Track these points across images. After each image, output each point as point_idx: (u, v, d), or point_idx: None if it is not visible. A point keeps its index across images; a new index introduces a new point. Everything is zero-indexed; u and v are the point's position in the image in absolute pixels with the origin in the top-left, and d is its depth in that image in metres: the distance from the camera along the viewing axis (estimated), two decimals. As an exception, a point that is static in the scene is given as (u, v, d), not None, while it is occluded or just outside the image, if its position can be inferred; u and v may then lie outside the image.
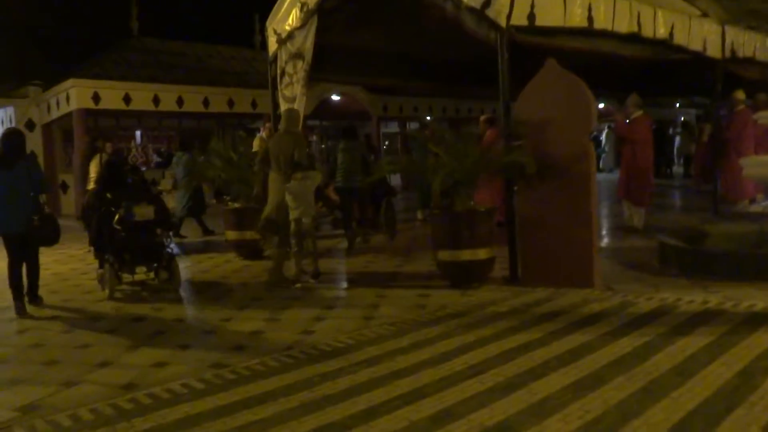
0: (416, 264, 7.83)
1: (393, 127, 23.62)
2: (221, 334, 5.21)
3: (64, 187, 16.44)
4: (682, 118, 24.90)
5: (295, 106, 8.57)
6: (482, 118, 10.14)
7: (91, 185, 9.72)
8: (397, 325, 5.12)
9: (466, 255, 6.15)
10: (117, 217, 6.66)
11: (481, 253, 6.18)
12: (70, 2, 22.54)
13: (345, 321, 5.36)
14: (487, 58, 10.22)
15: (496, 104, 6.72)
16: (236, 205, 8.78)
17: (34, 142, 16.24)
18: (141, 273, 6.93)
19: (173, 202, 12.17)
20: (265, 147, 7.67)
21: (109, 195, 6.90)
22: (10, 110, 16.04)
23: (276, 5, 9.23)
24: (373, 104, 20.04)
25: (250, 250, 8.69)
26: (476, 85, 12.84)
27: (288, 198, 6.66)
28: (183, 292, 6.83)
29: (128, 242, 6.58)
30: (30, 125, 16.00)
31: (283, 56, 8.98)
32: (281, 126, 7.45)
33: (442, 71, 11.37)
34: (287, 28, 8.83)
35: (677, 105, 26.23)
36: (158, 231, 6.77)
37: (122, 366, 4.49)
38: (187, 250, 9.98)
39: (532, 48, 6.79)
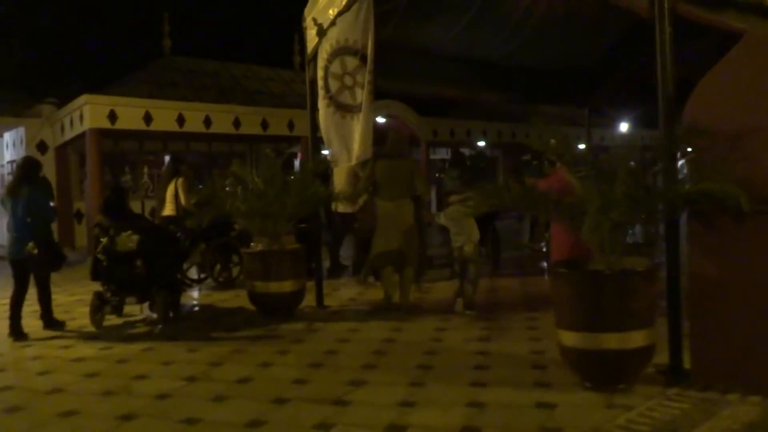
0: (514, 330, 5.59)
1: (442, 154, 21.46)
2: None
3: (79, 216, 14.67)
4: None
5: (360, 120, 6.52)
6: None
7: (166, 211, 8.29)
8: (524, 485, 2.83)
9: (613, 341, 3.83)
10: (101, 246, 6.40)
11: (637, 339, 3.84)
12: (102, 20, 21.33)
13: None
14: (580, 65, 8.00)
15: (557, 129, 4.47)
16: (259, 247, 6.65)
17: (46, 167, 14.56)
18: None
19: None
20: (368, 173, 6.68)
21: (101, 222, 6.65)
22: (22, 131, 14.40)
23: (316, -10, 7.15)
24: (422, 128, 17.91)
25: (275, 307, 6.52)
26: (561, 99, 10.74)
27: (448, 225, 6.52)
28: (187, 367, 4.67)
29: (109, 272, 6.37)
30: (42, 147, 14.31)
31: (325, 50, 6.82)
32: (387, 149, 6.70)
33: (520, 81, 9.16)
34: (331, 14, 6.69)
35: None
36: (138, 263, 6.27)
37: None
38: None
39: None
